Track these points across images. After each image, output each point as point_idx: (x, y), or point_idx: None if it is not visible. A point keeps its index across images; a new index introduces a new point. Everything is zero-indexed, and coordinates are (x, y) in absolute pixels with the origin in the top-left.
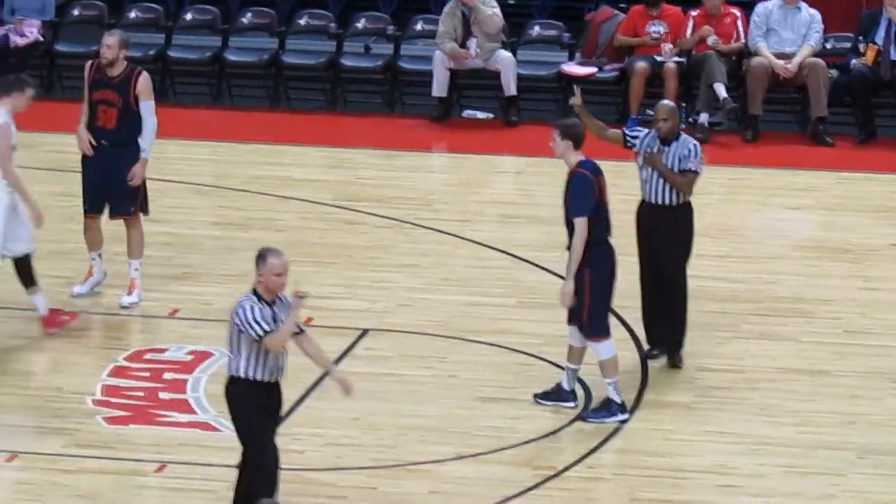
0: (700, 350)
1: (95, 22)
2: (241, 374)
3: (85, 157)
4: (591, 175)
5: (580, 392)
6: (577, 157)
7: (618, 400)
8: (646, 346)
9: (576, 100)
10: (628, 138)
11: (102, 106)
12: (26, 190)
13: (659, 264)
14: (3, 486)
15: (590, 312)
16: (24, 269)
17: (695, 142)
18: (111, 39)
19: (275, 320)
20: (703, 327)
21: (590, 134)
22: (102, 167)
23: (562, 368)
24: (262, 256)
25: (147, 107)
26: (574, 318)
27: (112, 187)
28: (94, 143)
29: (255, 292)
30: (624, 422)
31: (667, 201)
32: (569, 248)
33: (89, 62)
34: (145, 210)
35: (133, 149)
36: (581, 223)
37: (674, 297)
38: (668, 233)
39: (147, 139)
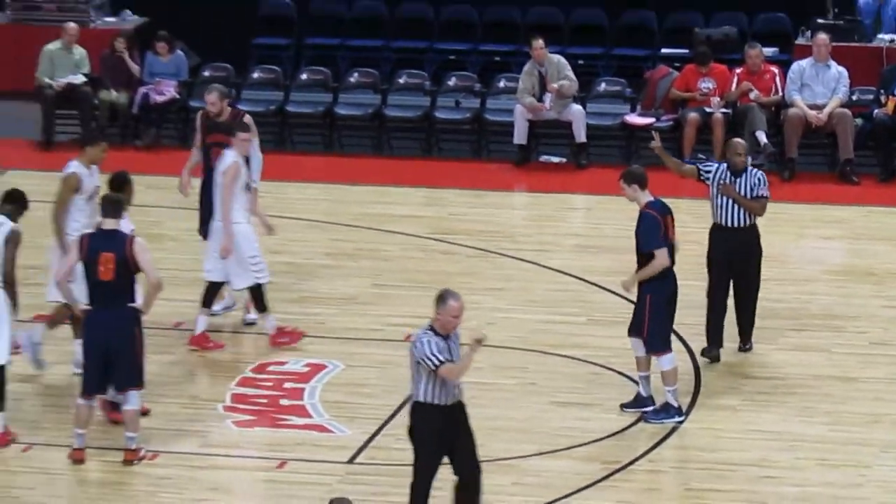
0: (745, 359)
1: (223, 81)
2: (422, 399)
3: (203, 192)
4: (657, 214)
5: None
6: (646, 197)
7: (675, 404)
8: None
9: (655, 143)
10: (702, 172)
11: (215, 147)
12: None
13: (733, 275)
14: (148, 480)
15: (650, 331)
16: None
17: (761, 173)
18: (212, 97)
19: (449, 352)
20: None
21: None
22: (214, 202)
23: (625, 376)
24: (442, 298)
25: (252, 145)
26: (635, 332)
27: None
28: (204, 190)
29: (431, 328)
30: (680, 423)
31: (738, 223)
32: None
33: (200, 112)
34: None
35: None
36: (660, 254)
37: (748, 298)
38: (743, 249)
39: (255, 172)
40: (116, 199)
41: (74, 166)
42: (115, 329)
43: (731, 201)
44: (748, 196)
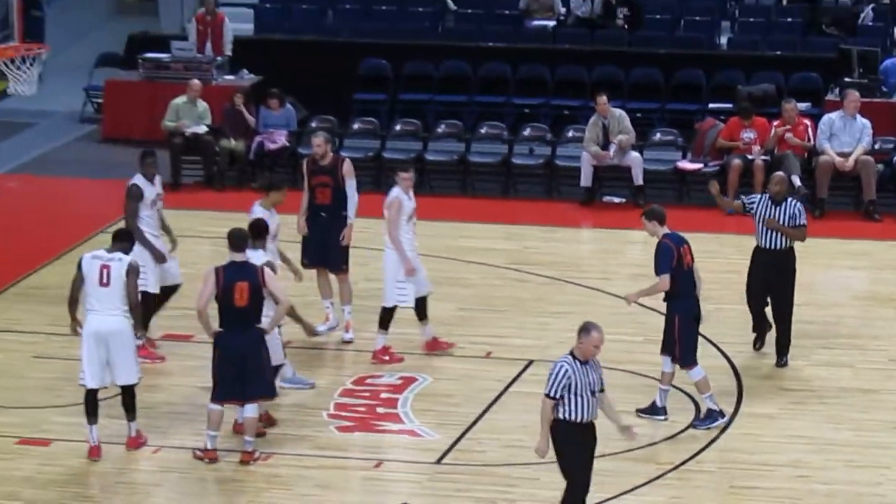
0: (781, 373)
1: (328, 131)
2: (560, 417)
3: (309, 227)
4: (672, 244)
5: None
6: (662, 230)
7: (716, 408)
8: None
9: (713, 187)
10: (746, 205)
11: (320, 188)
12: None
13: (770, 293)
14: (262, 477)
15: (681, 348)
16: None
17: (800, 203)
18: (319, 139)
19: (586, 374)
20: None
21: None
22: (321, 232)
23: (675, 388)
24: (586, 329)
25: (351, 185)
26: (666, 350)
27: (329, 248)
28: (309, 224)
29: (572, 353)
30: (726, 423)
31: (777, 246)
32: (664, 298)
33: (305, 159)
34: (347, 268)
35: (342, 218)
36: (663, 279)
37: (784, 315)
38: (780, 269)
39: (352, 209)
40: (243, 234)
41: (258, 210)
42: (247, 348)
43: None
44: (788, 224)
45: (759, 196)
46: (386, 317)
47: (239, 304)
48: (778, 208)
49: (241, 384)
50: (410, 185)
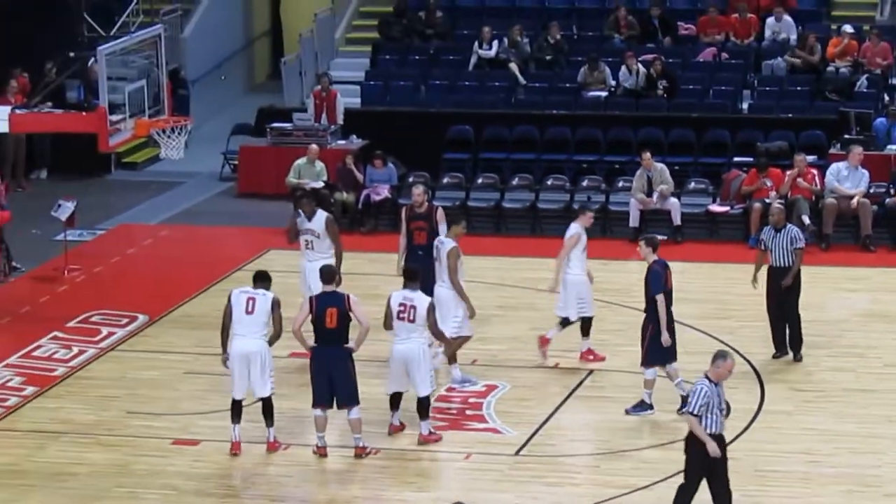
0: (796, 378)
1: (423, 184)
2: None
3: (407, 262)
4: (661, 269)
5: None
6: (654, 257)
7: (648, 402)
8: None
9: (755, 283)
10: (762, 244)
11: (417, 231)
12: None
13: (783, 301)
14: (371, 468)
15: (647, 350)
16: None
17: (795, 229)
18: (419, 189)
19: (717, 396)
20: (795, 364)
21: None
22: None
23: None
24: (722, 356)
25: (443, 229)
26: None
27: (424, 280)
28: (409, 260)
29: (706, 376)
30: (651, 413)
31: (786, 265)
32: (645, 310)
33: (404, 207)
34: None
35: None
36: (660, 298)
37: (794, 317)
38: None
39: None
40: (331, 270)
41: (449, 242)
42: (336, 362)
43: (780, 249)
44: (790, 246)
45: (764, 229)
46: (586, 325)
47: (329, 325)
48: (779, 234)
49: (330, 393)
50: (590, 223)
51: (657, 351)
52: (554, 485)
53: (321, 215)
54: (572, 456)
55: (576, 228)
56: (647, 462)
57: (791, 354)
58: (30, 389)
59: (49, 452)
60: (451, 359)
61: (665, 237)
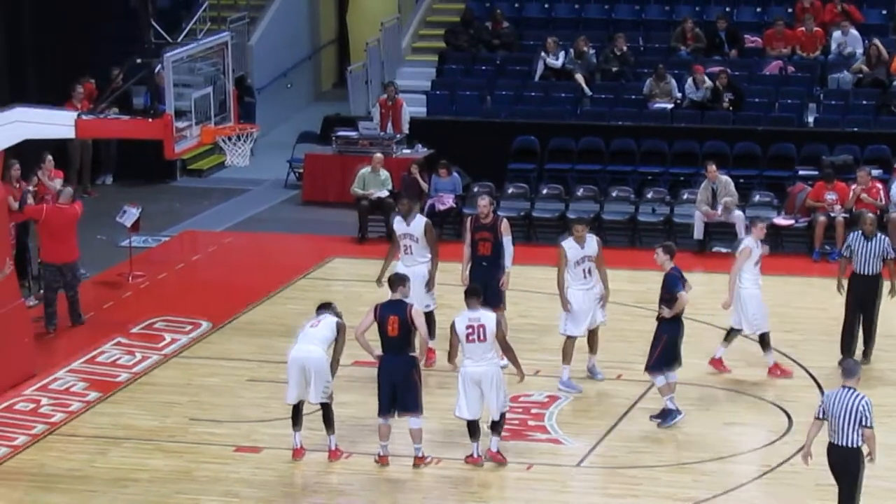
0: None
1: (487, 194)
2: (851, 445)
3: (472, 274)
4: (678, 274)
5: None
6: (671, 264)
7: (673, 407)
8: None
9: (841, 291)
10: (848, 250)
11: (482, 242)
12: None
13: (864, 305)
14: (432, 478)
15: (657, 358)
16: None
17: (887, 238)
18: (485, 201)
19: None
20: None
21: None
22: (483, 280)
23: (774, 405)
24: (844, 363)
25: (507, 240)
26: (647, 364)
27: (487, 290)
28: (472, 272)
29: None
30: (682, 418)
31: (870, 273)
32: (657, 318)
33: (469, 217)
34: (505, 306)
35: (499, 266)
36: (682, 295)
37: (871, 322)
38: (871, 290)
39: (508, 260)
40: (399, 278)
41: (567, 244)
42: (399, 370)
43: (866, 255)
44: (879, 255)
45: (853, 234)
46: (764, 340)
47: (391, 334)
48: (869, 242)
49: (393, 402)
50: (763, 235)
51: (666, 357)
52: (615, 496)
53: (420, 220)
54: (634, 468)
55: (748, 241)
56: (708, 475)
57: (863, 357)
58: (93, 395)
59: (111, 458)
60: (565, 358)
61: (729, 250)
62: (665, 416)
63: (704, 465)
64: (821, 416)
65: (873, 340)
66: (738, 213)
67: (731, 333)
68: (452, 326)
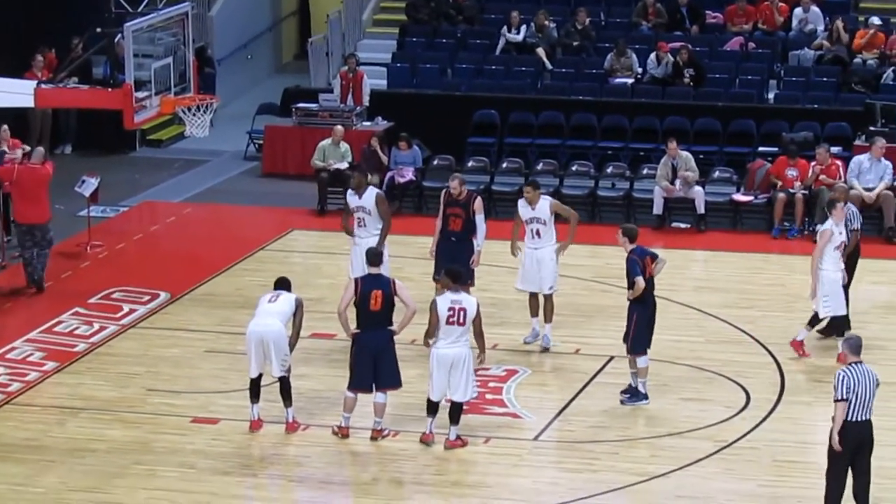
0: (816, 368)
1: (448, 168)
2: (871, 416)
3: (440, 248)
4: (637, 256)
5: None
6: (631, 246)
7: (644, 391)
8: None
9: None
10: (849, 226)
11: (452, 217)
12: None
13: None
14: (390, 450)
15: (633, 338)
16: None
17: (855, 208)
18: (455, 182)
19: (858, 383)
20: (816, 354)
21: None
22: (451, 255)
23: (732, 381)
24: (849, 341)
25: (480, 218)
26: (625, 340)
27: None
28: (440, 247)
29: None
30: (645, 403)
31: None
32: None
33: (444, 191)
34: (473, 282)
35: (470, 244)
36: (639, 280)
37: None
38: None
39: (480, 238)
40: (377, 252)
41: (521, 202)
42: (381, 344)
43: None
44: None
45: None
46: (816, 321)
47: (374, 308)
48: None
49: (372, 376)
50: (843, 217)
51: (642, 338)
52: (572, 471)
53: (371, 191)
54: (591, 442)
55: (828, 224)
56: (665, 450)
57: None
58: (50, 365)
59: (68, 428)
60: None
61: (688, 225)
62: (632, 395)
63: (662, 440)
64: (844, 396)
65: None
66: (697, 189)
67: (815, 319)
68: (434, 306)
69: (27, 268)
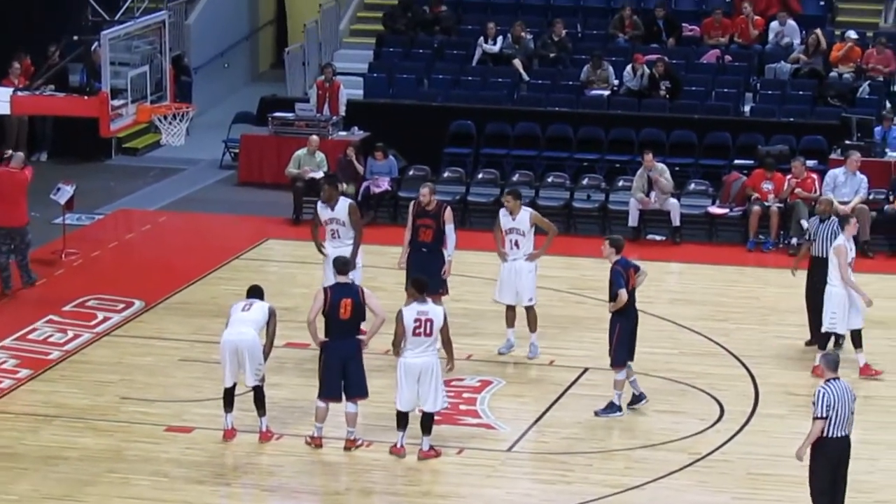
0: (790, 382)
1: (422, 178)
2: (850, 432)
3: (411, 259)
4: (621, 268)
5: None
6: (616, 257)
7: (618, 403)
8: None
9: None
10: (810, 237)
11: (423, 228)
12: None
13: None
14: (363, 461)
15: (615, 352)
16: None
17: (838, 222)
18: (425, 190)
19: (837, 400)
20: (790, 367)
21: None
22: (422, 266)
23: (706, 393)
24: (827, 357)
25: (450, 228)
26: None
27: (430, 277)
28: (411, 258)
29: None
30: (620, 415)
31: (826, 255)
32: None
33: (413, 202)
34: (447, 291)
35: (441, 254)
36: (622, 292)
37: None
38: (822, 273)
39: (451, 248)
40: (345, 261)
41: (502, 211)
42: (350, 353)
43: (822, 240)
44: (829, 239)
45: (811, 219)
46: (856, 338)
47: (343, 317)
48: (822, 224)
49: (342, 385)
50: (855, 231)
51: (625, 351)
52: (546, 482)
53: (344, 202)
54: (565, 454)
55: (841, 240)
56: (640, 462)
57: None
58: (24, 372)
59: (42, 436)
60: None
61: (663, 237)
62: (608, 408)
63: (636, 452)
64: (824, 414)
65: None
66: (673, 201)
67: (856, 336)
68: (399, 317)
69: (2, 273)
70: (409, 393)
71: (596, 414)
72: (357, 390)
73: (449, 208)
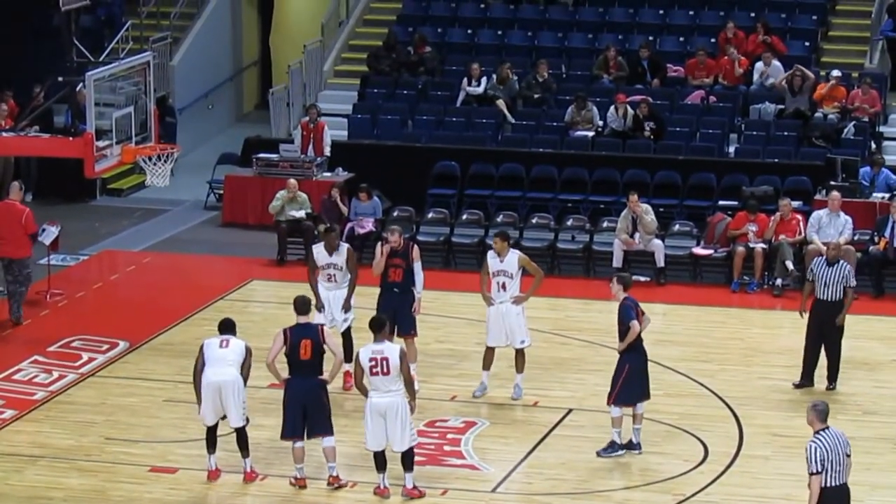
0: (774, 423)
1: (407, 220)
2: (846, 480)
3: (382, 300)
4: (632, 304)
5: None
6: (624, 294)
7: (619, 441)
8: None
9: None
10: (812, 274)
11: (392, 268)
12: None
13: (829, 332)
14: (348, 501)
15: (620, 390)
16: None
17: (848, 266)
18: (394, 236)
19: (830, 451)
20: (775, 408)
21: None
22: (393, 305)
23: (690, 434)
24: (817, 408)
25: (417, 266)
26: (610, 396)
27: (399, 316)
28: (383, 298)
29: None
30: (621, 455)
31: (832, 299)
32: (618, 350)
33: (379, 244)
34: (416, 332)
35: (411, 293)
36: (634, 324)
37: (835, 348)
38: (834, 315)
39: (419, 285)
40: (306, 300)
41: (490, 254)
42: (310, 393)
43: (832, 283)
44: (839, 282)
45: (816, 260)
46: None
47: (304, 357)
48: (832, 268)
49: (303, 424)
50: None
51: (631, 390)
52: None
53: (343, 247)
54: (549, 495)
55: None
56: (623, 503)
57: (815, 385)
58: (8, 413)
59: (26, 476)
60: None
61: (647, 279)
62: (609, 448)
63: (619, 493)
64: (818, 469)
65: (838, 367)
66: (657, 241)
67: None
68: (356, 357)
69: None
70: (375, 432)
71: (598, 454)
72: (319, 429)
73: (416, 246)
